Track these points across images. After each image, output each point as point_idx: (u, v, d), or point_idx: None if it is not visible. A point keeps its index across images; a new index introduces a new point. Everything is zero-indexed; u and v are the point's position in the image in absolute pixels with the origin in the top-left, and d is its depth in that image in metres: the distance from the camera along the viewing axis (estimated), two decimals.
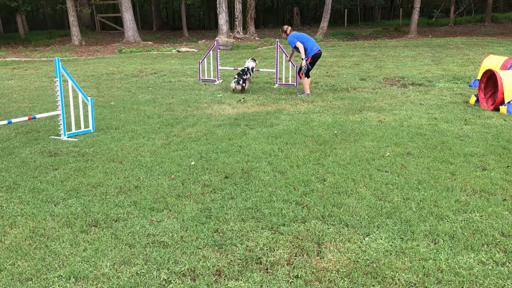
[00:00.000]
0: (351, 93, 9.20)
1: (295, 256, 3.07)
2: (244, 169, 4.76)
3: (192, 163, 4.98)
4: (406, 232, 3.35)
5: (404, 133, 6.01)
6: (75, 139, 6.09)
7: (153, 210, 3.82)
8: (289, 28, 9.24)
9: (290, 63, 10.07)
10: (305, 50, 8.79)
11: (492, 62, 9.13)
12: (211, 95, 9.36)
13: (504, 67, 8.71)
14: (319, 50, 8.89)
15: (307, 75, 9.01)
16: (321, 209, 3.77)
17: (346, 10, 37.84)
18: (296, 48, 8.83)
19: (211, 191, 4.21)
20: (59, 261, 3.04)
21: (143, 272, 2.91)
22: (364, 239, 3.27)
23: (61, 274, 2.89)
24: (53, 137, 6.26)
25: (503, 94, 7.18)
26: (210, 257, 3.06)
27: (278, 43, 10.29)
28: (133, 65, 15.03)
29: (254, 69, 9.87)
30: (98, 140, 6.00)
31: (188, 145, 5.70)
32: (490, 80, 7.66)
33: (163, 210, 3.81)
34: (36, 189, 4.31)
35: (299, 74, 9.09)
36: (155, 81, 11.51)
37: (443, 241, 3.22)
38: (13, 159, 5.26)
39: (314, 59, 8.89)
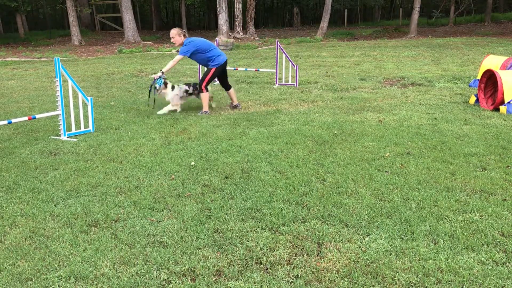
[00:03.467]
0: (351, 93, 9.20)
1: (295, 256, 3.07)
2: (244, 169, 4.76)
3: (192, 163, 4.98)
4: (406, 232, 3.35)
5: (404, 133, 6.01)
6: (75, 139, 6.09)
7: (153, 210, 3.83)
8: (181, 31, 7.40)
9: (290, 63, 10.07)
10: (210, 59, 7.38)
11: (492, 62, 9.12)
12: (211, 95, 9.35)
13: (504, 67, 8.71)
14: (225, 60, 7.54)
15: (207, 88, 7.50)
16: (321, 209, 3.77)
17: (346, 10, 37.84)
18: (192, 56, 7.42)
19: (211, 191, 4.21)
20: (59, 261, 3.04)
21: (143, 272, 2.91)
22: (364, 239, 3.27)
23: (61, 274, 2.89)
24: (53, 137, 6.26)
25: (503, 94, 7.18)
26: (210, 257, 3.06)
27: (278, 43, 10.28)
28: (133, 65, 15.03)
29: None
30: (98, 140, 6.01)
31: (188, 145, 5.70)
32: (490, 80, 7.66)
33: (163, 210, 3.81)
34: (36, 189, 4.31)
35: (201, 87, 7.46)
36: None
37: (443, 241, 3.22)
38: (13, 159, 5.26)
39: (221, 68, 7.52)
